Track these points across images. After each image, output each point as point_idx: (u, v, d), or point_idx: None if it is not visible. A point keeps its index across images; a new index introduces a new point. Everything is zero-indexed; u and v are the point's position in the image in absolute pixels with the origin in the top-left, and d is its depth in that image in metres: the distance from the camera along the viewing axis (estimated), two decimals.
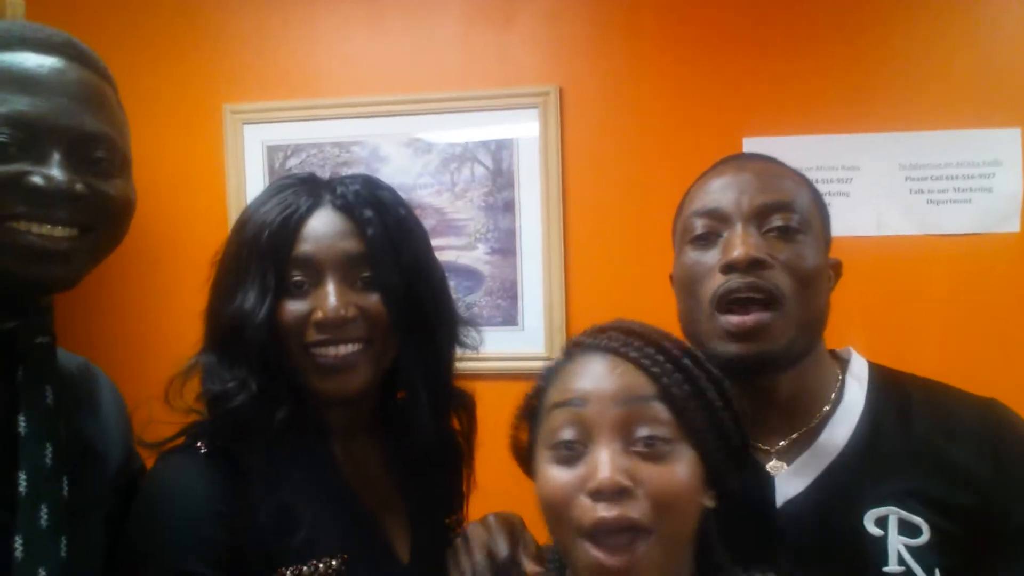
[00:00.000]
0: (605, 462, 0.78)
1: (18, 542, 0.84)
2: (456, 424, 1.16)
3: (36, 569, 0.85)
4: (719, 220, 1.01)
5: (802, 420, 1.04)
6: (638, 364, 0.83)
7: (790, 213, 1.00)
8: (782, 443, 1.04)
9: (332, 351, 0.99)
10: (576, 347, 0.90)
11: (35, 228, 0.85)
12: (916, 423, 1.01)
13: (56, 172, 0.84)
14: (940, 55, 2.19)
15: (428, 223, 2.45)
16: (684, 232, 1.06)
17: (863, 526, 0.96)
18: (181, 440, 1.00)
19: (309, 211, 1.01)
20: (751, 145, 2.25)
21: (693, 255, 1.03)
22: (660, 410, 0.81)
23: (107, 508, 0.96)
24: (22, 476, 0.86)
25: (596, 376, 0.84)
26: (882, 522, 0.95)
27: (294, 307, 0.99)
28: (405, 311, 1.03)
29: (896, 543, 0.94)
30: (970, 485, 0.95)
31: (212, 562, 0.90)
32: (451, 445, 1.13)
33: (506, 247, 2.43)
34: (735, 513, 0.89)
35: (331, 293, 0.98)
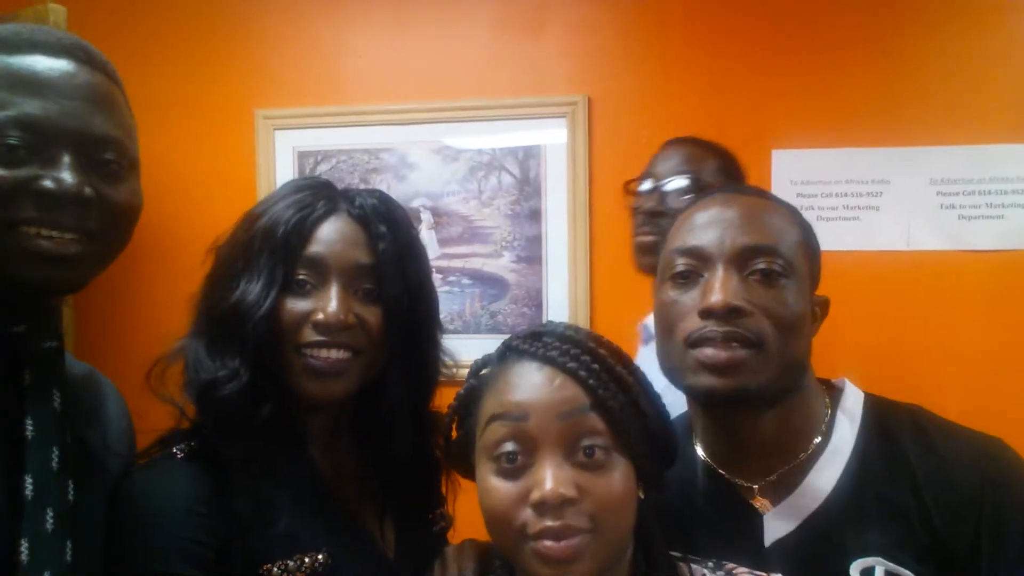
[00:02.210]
0: (548, 476, 0.80)
1: (24, 546, 0.83)
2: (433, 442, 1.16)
3: (42, 572, 0.84)
4: (700, 260, 0.98)
5: (785, 459, 1.01)
6: (575, 375, 0.84)
7: (773, 257, 0.96)
8: (765, 481, 1.01)
9: (324, 354, 1.00)
10: (511, 352, 0.89)
11: (44, 232, 0.85)
12: (908, 467, 0.97)
13: (66, 175, 0.84)
14: (973, 69, 2.16)
15: (454, 230, 2.48)
16: (665, 268, 1.03)
17: (849, 575, 0.94)
18: (156, 450, 1.00)
19: (326, 215, 1.03)
20: (780, 157, 2.24)
21: (672, 294, 1.01)
22: (597, 421, 0.83)
23: (107, 514, 0.96)
24: (28, 480, 0.85)
25: (534, 388, 0.84)
26: (868, 572, 0.93)
27: (295, 305, 1.00)
28: (401, 328, 1.04)
29: None
30: (960, 536, 0.93)
31: (196, 563, 0.90)
32: (427, 456, 1.13)
33: (532, 255, 2.43)
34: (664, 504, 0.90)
35: (334, 297, 0.99)
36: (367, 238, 1.03)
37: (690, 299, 0.98)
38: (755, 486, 1.01)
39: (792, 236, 1.00)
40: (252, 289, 0.98)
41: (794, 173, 2.31)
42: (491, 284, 2.47)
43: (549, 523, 0.79)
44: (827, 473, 0.99)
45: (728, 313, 0.94)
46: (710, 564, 0.94)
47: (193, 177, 2.54)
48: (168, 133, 2.56)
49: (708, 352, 0.95)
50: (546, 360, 0.85)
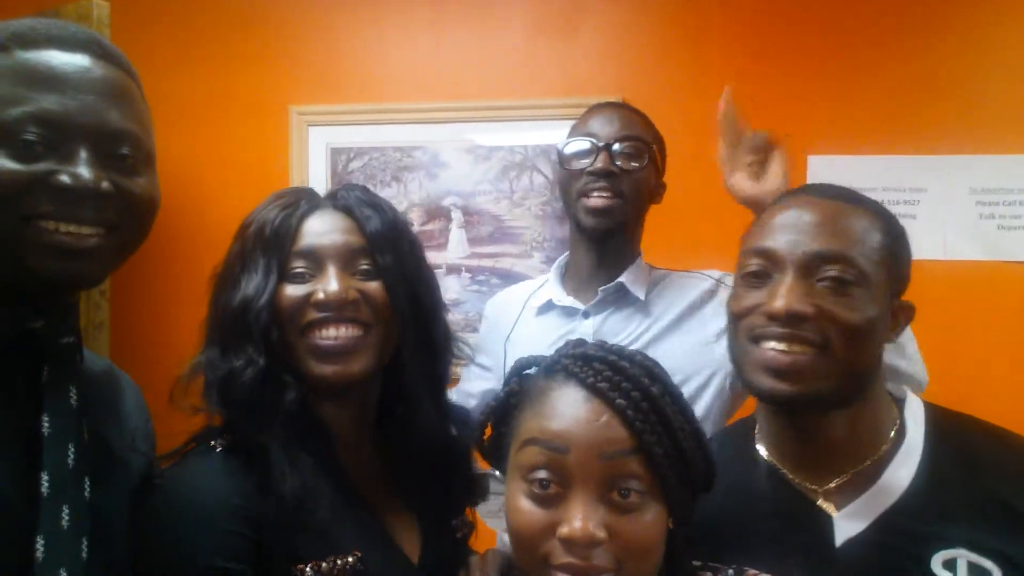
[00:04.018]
0: (580, 515, 0.79)
1: (40, 543, 0.83)
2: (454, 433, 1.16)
3: (57, 570, 0.84)
4: (772, 262, 0.99)
5: (856, 461, 1.01)
6: (623, 415, 0.81)
7: (845, 265, 0.95)
8: (833, 483, 1.01)
9: (332, 332, 1.00)
10: (560, 370, 0.87)
11: (62, 227, 0.85)
12: (980, 471, 0.98)
13: (83, 170, 0.84)
14: (1016, 77, 2.12)
15: (485, 229, 2.48)
16: (740, 265, 1.04)
17: (930, 569, 0.93)
18: (193, 445, 1.01)
19: (310, 211, 1.05)
20: (816, 163, 2.21)
21: (743, 291, 1.02)
22: (638, 466, 0.81)
23: (128, 512, 0.95)
24: (45, 476, 0.85)
25: (579, 421, 0.82)
26: (951, 564, 0.93)
27: (294, 291, 1.01)
28: (405, 301, 1.05)
29: None
30: None
31: (239, 557, 0.90)
32: (450, 451, 1.13)
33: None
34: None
35: (333, 277, 1.01)
36: (355, 224, 1.05)
37: (758, 298, 0.99)
38: (820, 488, 1.01)
39: (872, 242, 0.98)
40: (251, 283, 1.00)
41: (830, 179, 2.27)
42: None
43: (574, 560, 0.79)
44: (902, 472, 0.99)
45: (791, 318, 0.94)
46: (730, 571, 0.93)
47: (228, 172, 2.57)
48: (205, 128, 2.59)
49: (770, 354, 0.95)
50: (595, 392, 0.83)
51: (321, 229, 1.03)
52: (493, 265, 2.49)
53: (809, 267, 0.96)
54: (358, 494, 1.04)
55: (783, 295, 0.94)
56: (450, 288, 2.49)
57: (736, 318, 1.02)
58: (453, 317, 2.50)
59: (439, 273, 2.46)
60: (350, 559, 0.96)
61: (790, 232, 0.98)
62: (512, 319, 1.67)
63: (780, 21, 2.26)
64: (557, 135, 2.38)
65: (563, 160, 1.58)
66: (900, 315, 1.03)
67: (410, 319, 1.05)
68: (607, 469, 0.80)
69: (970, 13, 2.16)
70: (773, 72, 2.26)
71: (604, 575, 0.79)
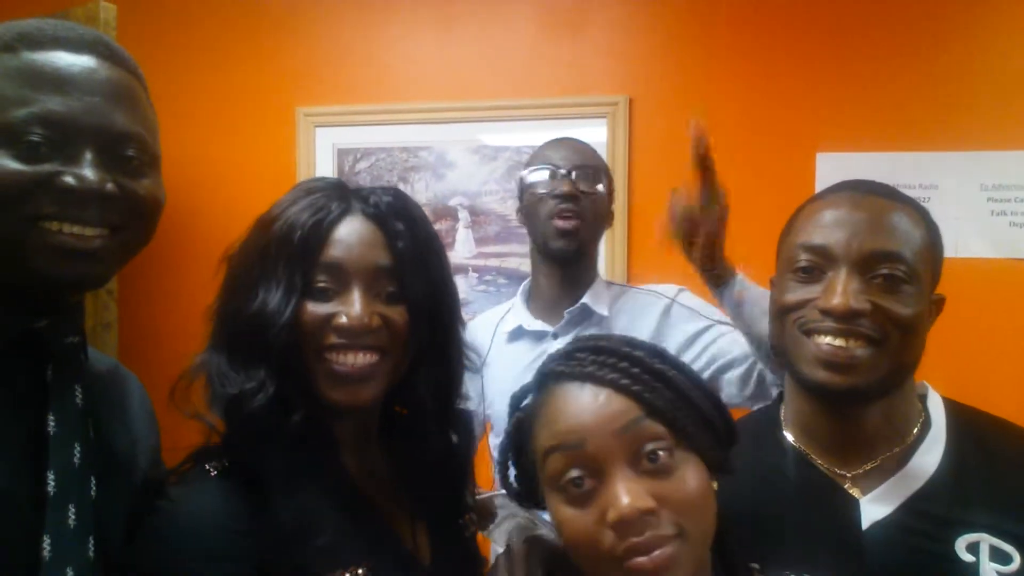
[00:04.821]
0: (622, 492, 0.78)
1: (46, 542, 0.83)
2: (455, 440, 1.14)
3: (64, 569, 0.84)
4: (825, 259, 1.01)
5: (888, 446, 1.04)
6: (618, 386, 0.82)
7: (897, 263, 0.99)
8: (862, 469, 1.03)
9: (350, 359, 0.97)
10: (549, 378, 0.87)
11: (66, 228, 0.84)
12: (998, 461, 1.02)
13: (88, 171, 0.84)
14: None
15: (491, 229, 2.48)
16: (788, 260, 1.05)
17: (954, 551, 0.96)
18: (188, 466, 0.98)
19: (340, 216, 0.99)
20: (825, 160, 2.20)
21: (793, 286, 1.03)
22: (653, 425, 0.81)
23: (129, 512, 0.95)
24: (51, 476, 0.85)
25: (582, 411, 0.82)
26: (974, 548, 0.96)
27: (316, 309, 0.96)
28: (426, 326, 1.02)
29: (988, 569, 0.95)
30: None
31: None
32: (453, 456, 1.12)
33: None
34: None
35: (357, 300, 0.96)
36: (384, 238, 1.00)
37: (810, 293, 1.01)
38: (849, 473, 1.03)
39: (917, 239, 1.02)
40: (272, 297, 0.95)
41: (839, 177, 2.24)
42: None
43: (635, 539, 0.77)
44: (929, 458, 1.02)
45: (848, 316, 0.97)
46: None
47: (235, 173, 2.58)
48: (212, 130, 2.60)
49: (827, 348, 0.98)
50: (586, 378, 0.83)
51: (350, 241, 0.98)
52: (500, 265, 2.48)
53: (863, 265, 0.99)
54: (365, 500, 1.03)
55: (841, 293, 0.97)
56: (457, 288, 2.49)
57: (784, 310, 1.03)
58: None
59: None
60: (360, 571, 0.94)
61: (843, 229, 1.00)
62: (485, 346, 1.77)
63: (788, 17, 2.25)
64: (565, 135, 2.39)
65: (528, 187, 1.69)
66: (934, 307, 1.06)
67: (428, 341, 1.03)
68: (626, 443, 0.80)
69: (981, 8, 2.14)
70: (781, 69, 2.25)
71: (670, 543, 0.78)
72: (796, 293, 1.02)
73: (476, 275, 2.50)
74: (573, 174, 1.64)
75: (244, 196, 2.57)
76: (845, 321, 0.97)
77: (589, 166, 1.68)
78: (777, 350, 1.07)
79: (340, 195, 1.02)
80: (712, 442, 0.86)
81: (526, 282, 1.81)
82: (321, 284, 0.97)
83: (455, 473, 1.11)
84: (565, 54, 2.41)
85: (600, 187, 1.68)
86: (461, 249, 2.50)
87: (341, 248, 0.98)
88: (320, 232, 0.97)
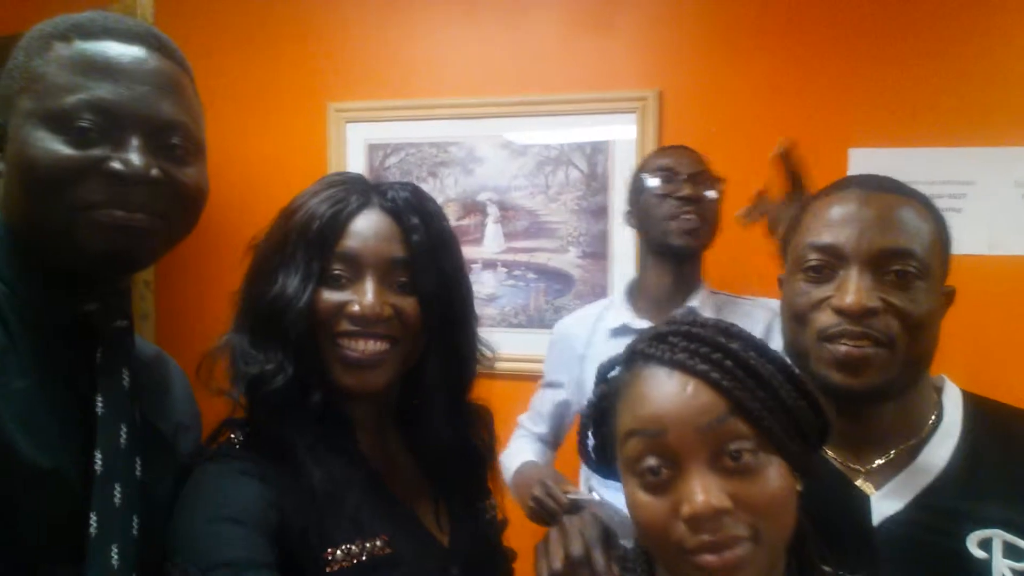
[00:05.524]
0: (698, 489, 0.77)
1: (93, 519, 0.86)
2: (474, 437, 1.16)
3: (109, 546, 0.87)
4: (835, 257, 0.99)
5: (899, 442, 1.03)
6: (708, 379, 0.79)
7: (909, 260, 0.97)
8: (876, 464, 1.02)
9: (360, 345, 1.01)
10: (638, 357, 0.86)
11: (113, 212, 0.87)
12: (1017, 454, 0.99)
13: (134, 157, 0.87)
14: None
15: (520, 225, 2.49)
16: (797, 259, 1.04)
17: (966, 548, 0.94)
18: (216, 439, 1.03)
19: (359, 209, 1.03)
20: (857, 157, 2.17)
21: (804, 286, 1.02)
22: (739, 424, 0.79)
23: (174, 493, 0.98)
24: (98, 455, 0.88)
25: (667, 399, 0.80)
26: (986, 544, 0.94)
27: (331, 296, 1.01)
28: (437, 317, 1.05)
29: (1001, 566, 0.93)
30: None
31: (268, 549, 0.91)
32: (470, 447, 1.13)
33: (597, 251, 2.42)
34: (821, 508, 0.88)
35: (369, 290, 1.00)
36: (400, 231, 1.04)
37: (822, 292, 1.00)
38: (862, 468, 1.03)
39: (927, 235, 1.00)
40: (290, 283, 0.99)
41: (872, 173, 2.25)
42: (556, 279, 2.47)
43: (706, 537, 0.76)
44: (941, 451, 1.00)
45: (863, 315, 0.96)
46: None
47: (268, 168, 2.61)
48: (245, 124, 2.64)
49: (843, 349, 0.97)
50: (675, 365, 0.81)
51: (366, 233, 1.03)
52: (529, 260, 2.49)
53: (874, 263, 0.97)
54: (383, 481, 1.06)
55: (853, 292, 0.96)
56: (486, 283, 2.50)
57: (799, 312, 1.02)
58: (489, 312, 2.52)
59: (475, 268, 2.48)
60: (378, 542, 0.97)
61: (852, 227, 0.99)
62: (585, 339, 1.86)
63: (818, 12, 2.22)
64: (593, 131, 2.40)
65: (647, 188, 1.79)
66: (945, 299, 1.05)
67: (439, 333, 1.06)
68: (709, 439, 0.78)
69: (1016, 3, 2.10)
70: (812, 64, 2.22)
71: (741, 544, 0.77)
72: (809, 294, 1.01)
73: (505, 270, 2.51)
74: (693, 178, 1.75)
75: (277, 190, 2.58)
76: (858, 320, 0.96)
77: (706, 172, 1.78)
78: (791, 351, 1.05)
79: (360, 189, 1.06)
80: (800, 444, 0.83)
81: (630, 281, 1.90)
82: (337, 272, 1.01)
83: (469, 461, 1.14)
84: (594, 49, 2.40)
85: (714, 193, 1.78)
86: (490, 244, 2.52)
87: (358, 239, 1.02)
88: (338, 223, 1.02)
